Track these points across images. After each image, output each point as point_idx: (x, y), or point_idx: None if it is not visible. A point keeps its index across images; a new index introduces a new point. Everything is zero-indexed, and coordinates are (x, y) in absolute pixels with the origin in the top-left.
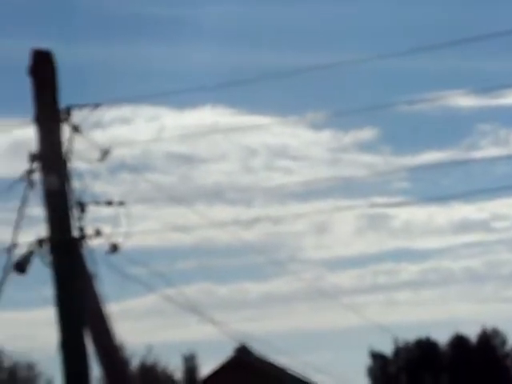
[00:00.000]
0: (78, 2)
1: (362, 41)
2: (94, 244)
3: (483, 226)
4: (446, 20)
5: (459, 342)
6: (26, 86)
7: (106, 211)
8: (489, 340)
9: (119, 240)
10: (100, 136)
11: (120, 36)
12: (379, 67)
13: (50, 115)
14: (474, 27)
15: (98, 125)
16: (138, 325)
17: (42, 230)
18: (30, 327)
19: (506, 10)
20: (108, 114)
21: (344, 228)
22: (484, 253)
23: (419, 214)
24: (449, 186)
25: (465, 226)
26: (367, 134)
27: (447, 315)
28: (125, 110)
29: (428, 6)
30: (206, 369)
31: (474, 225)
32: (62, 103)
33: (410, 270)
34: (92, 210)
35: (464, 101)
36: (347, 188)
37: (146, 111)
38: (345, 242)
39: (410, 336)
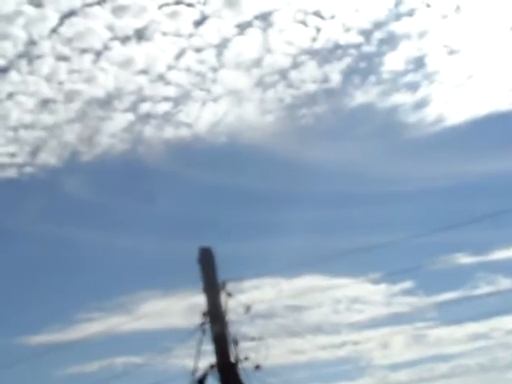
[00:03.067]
0: (225, 211)
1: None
2: (245, 366)
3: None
4: None
5: None
6: (197, 270)
7: (250, 344)
8: None
9: (261, 362)
10: (243, 298)
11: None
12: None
13: (213, 287)
14: None
15: (241, 291)
16: None
17: (212, 359)
18: None
19: None
20: (246, 284)
21: (398, 344)
22: None
23: (443, 331)
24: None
25: (473, 338)
26: (408, 284)
27: None
28: (256, 281)
29: None
30: None
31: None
32: (220, 278)
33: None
34: (242, 344)
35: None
36: (399, 319)
37: (269, 281)
38: (399, 352)
39: None
